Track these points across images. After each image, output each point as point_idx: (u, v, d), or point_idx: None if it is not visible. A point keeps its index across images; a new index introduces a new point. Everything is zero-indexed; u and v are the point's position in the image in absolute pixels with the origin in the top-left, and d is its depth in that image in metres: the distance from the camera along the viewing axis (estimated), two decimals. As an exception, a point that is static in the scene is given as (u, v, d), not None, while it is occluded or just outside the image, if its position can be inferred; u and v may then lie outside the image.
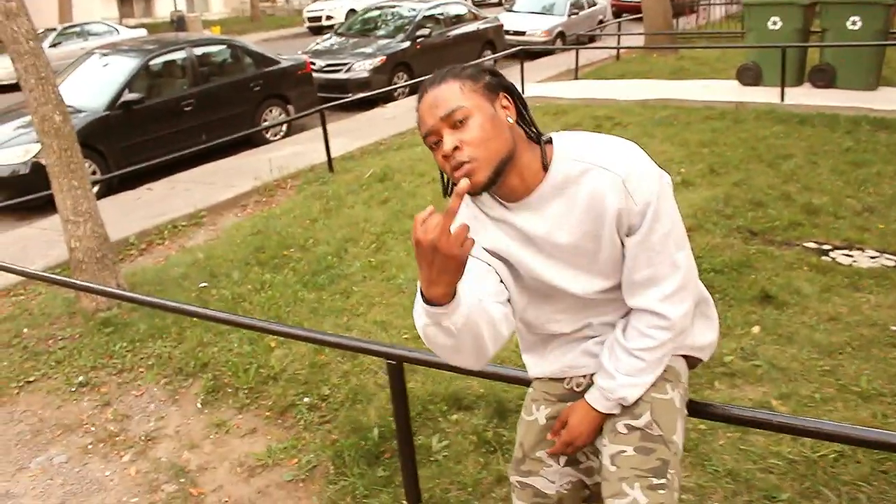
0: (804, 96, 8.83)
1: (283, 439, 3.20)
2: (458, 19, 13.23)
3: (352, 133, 8.96)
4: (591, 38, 16.56)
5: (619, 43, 14.13)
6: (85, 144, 5.90)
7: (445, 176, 1.51)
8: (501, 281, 1.56)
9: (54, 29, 18.10)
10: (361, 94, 10.01)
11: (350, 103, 9.81)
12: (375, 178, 6.89)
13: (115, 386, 3.77)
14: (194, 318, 4.01)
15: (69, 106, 4.67)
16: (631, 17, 17.37)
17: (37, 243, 5.92)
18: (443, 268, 1.24)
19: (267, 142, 9.10)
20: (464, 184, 1.23)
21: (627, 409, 1.55)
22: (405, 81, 11.41)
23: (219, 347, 3.97)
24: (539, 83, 11.41)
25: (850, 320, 3.77)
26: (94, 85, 7.96)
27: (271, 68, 9.42)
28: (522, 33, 15.25)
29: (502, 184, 1.47)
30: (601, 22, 17.60)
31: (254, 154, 8.34)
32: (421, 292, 1.32)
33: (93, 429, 3.43)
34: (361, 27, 12.91)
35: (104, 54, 8.62)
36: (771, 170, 6.21)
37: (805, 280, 4.23)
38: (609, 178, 1.43)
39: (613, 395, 1.54)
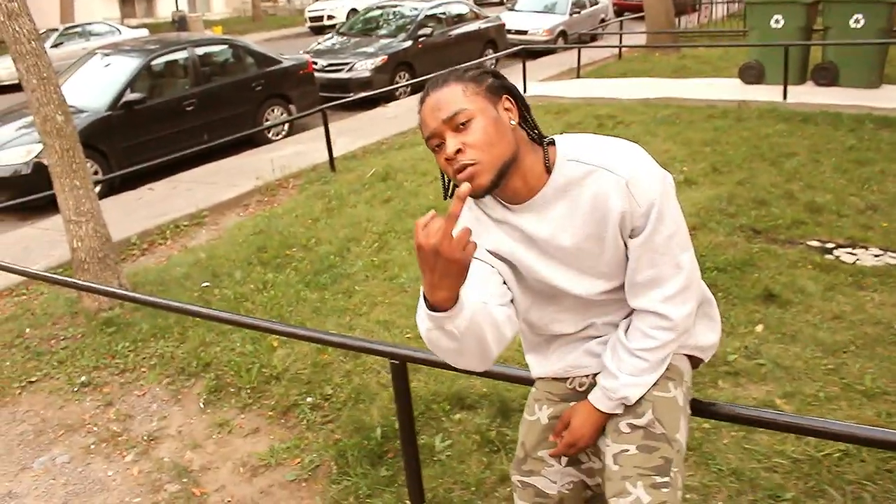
0: (807, 95, 8.80)
1: (286, 439, 3.20)
2: (460, 18, 13.23)
3: (354, 132, 8.96)
4: (593, 37, 16.54)
5: (620, 42, 14.10)
6: (87, 144, 5.92)
7: (446, 178, 1.51)
8: (504, 283, 1.56)
9: (56, 29, 18.11)
10: (363, 94, 10.00)
11: (352, 103, 9.82)
12: (377, 178, 6.89)
13: (118, 386, 3.77)
14: (196, 318, 4.01)
15: (71, 106, 4.68)
16: (633, 15, 17.32)
17: (39, 243, 5.92)
18: (445, 272, 1.23)
19: (269, 141, 9.10)
20: (465, 188, 1.21)
21: (630, 408, 1.55)
22: (407, 81, 11.41)
23: (221, 347, 3.96)
24: (541, 82, 11.40)
25: (853, 319, 3.76)
26: (95, 85, 7.97)
27: (273, 68, 9.42)
28: (524, 32, 15.25)
29: (505, 186, 1.46)
30: (603, 21, 17.59)
31: (256, 154, 8.34)
32: (424, 297, 1.31)
33: (95, 429, 3.43)
34: (363, 27, 12.91)
35: (106, 54, 8.62)
36: (774, 168, 6.20)
37: (809, 278, 4.22)
38: (612, 180, 1.43)
39: (616, 395, 1.54)
